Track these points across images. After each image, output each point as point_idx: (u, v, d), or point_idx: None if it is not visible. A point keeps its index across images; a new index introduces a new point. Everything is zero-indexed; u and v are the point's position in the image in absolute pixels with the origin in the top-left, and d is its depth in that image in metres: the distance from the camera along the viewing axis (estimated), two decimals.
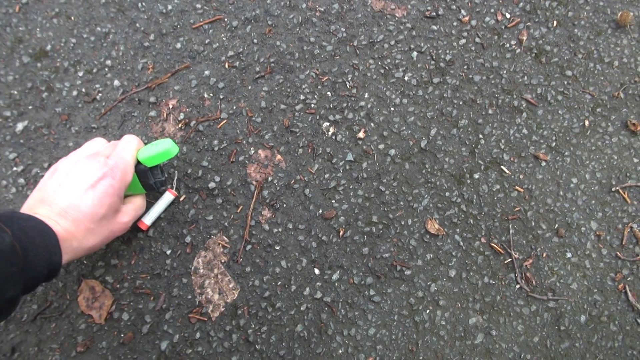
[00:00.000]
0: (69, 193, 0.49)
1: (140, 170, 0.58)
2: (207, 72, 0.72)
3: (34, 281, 0.44)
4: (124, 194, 0.56)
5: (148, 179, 0.59)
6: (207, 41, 0.74)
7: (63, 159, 0.55)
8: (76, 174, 0.51)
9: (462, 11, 0.76)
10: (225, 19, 0.74)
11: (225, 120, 0.70)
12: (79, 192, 0.49)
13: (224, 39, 0.74)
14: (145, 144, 0.60)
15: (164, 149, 0.57)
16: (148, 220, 0.64)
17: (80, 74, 0.71)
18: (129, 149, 0.56)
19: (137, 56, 0.72)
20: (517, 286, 0.66)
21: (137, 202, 0.59)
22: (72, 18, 0.72)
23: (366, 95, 0.72)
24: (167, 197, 0.64)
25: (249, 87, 0.72)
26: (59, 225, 0.48)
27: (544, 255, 0.67)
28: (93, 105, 0.70)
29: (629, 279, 0.67)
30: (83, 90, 0.70)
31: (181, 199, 0.66)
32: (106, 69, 0.72)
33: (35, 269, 0.43)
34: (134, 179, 0.58)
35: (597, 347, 0.66)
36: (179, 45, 0.73)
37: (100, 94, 0.70)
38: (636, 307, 0.66)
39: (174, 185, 0.65)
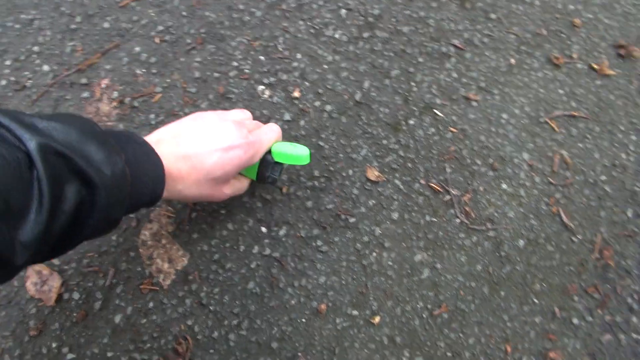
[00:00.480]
0: (201, 144, 0.44)
1: (266, 159, 0.51)
2: (137, 49, 0.65)
3: (136, 205, 0.40)
4: (239, 171, 0.49)
5: (266, 170, 0.51)
6: (135, 18, 0.67)
7: (210, 111, 0.49)
8: (217, 132, 0.45)
9: None
10: None
11: (160, 94, 0.64)
12: (211, 148, 0.44)
13: (152, 14, 0.67)
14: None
15: (298, 153, 0.50)
16: None
17: (8, 62, 0.63)
18: (270, 136, 0.50)
19: (64, 40, 0.65)
20: (458, 220, 0.62)
21: (243, 183, 0.53)
22: None
23: (299, 56, 0.66)
24: None
25: (182, 60, 0.66)
26: (176, 165, 0.43)
27: (481, 189, 0.63)
28: (24, 92, 0.62)
29: (561, 202, 0.64)
30: (12, 79, 0.63)
31: None
32: (34, 56, 0.64)
33: (139, 196, 0.39)
34: (255, 163, 0.50)
35: (537, 267, 0.63)
36: (106, 25, 0.66)
37: (30, 81, 0.63)
38: (570, 226, 0.63)
39: None
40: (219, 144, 0.45)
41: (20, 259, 0.28)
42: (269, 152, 0.51)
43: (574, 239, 0.63)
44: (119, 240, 0.57)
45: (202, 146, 0.44)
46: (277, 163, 0.52)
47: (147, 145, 0.41)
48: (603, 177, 0.65)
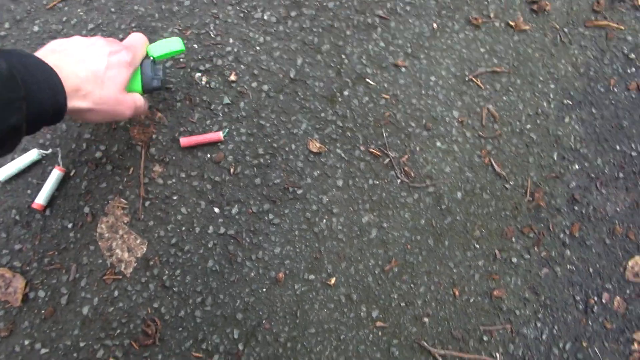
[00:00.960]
0: (90, 53, 0.46)
1: (144, 63, 0.54)
2: None
3: (39, 119, 0.40)
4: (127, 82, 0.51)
5: (149, 72, 0.53)
6: (64, 19, 0.67)
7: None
8: (98, 43, 0.48)
9: None
10: None
11: None
12: (99, 54, 0.47)
13: (81, 13, 0.68)
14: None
15: (171, 42, 0.56)
16: (42, 200, 0.59)
17: None
18: (139, 38, 0.54)
19: None
20: (399, 181, 0.67)
21: (136, 97, 0.53)
22: None
23: (231, 41, 0.68)
24: (55, 174, 0.60)
25: None
26: (73, 72, 0.43)
27: (418, 149, 0.68)
28: None
29: (492, 152, 0.69)
30: None
31: (71, 174, 0.61)
32: None
33: (39, 104, 0.39)
34: (136, 74, 0.53)
35: (475, 215, 0.68)
36: (36, 29, 0.66)
37: None
38: (502, 174, 0.69)
39: (60, 162, 0.61)
40: (104, 50, 0.47)
41: None
42: (145, 57, 0.54)
43: (506, 185, 0.68)
44: (76, 236, 0.59)
45: (91, 54, 0.46)
46: (156, 63, 0.55)
47: (35, 57, 0.41)
48: (528, 126, 0.70)
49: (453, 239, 0.66)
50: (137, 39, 0.54)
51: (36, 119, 0.40)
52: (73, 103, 0.44)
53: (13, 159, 0.60)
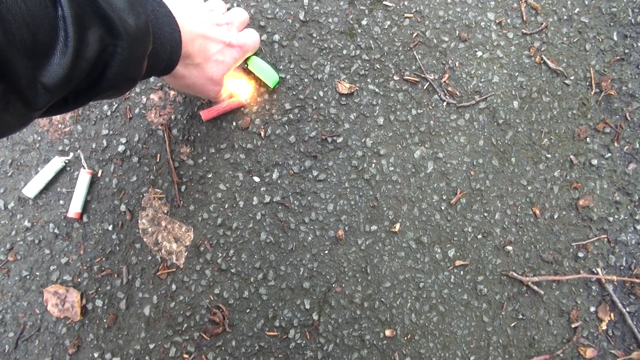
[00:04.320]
0: (210, 31, 0.46)
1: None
2: None
3: (152, 68, 0.39)
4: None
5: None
6: None
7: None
8: (220, 28, 0.48)
9: None
10: None
11: None
12: (216, 35, 0.47)
13: None
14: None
15: (270, 74, 0.55)
16: (77, 207, 0.55)
17: None
18: (256, 44, 0.54)
19: None
20: (445, 104, 0.59)
21: (227, 82, 0.54)
22: None
23: None
24: (84, 178, 0.56)
25: None
26: (190, 38, 0.42)
27: (457, 64, 0.60)
28: None
29: (542, 49, 0.61)
30: None
31: (98, 174, 0.57)
32: None
33: (157, 59, 0.38)
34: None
35: (539, 122, 0.60)
36: None
37: None
38: (559, 70, 0.60)
39: (85, 165, 0.57)
40: (223, 37, 0.47)
41: (40, 102, 0.27)
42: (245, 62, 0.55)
43: (567, 82, 0.60)
44: (120, 237, 0.56)
45: (210, 33, 0.46)
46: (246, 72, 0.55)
47: (166, 7, 0.39)
48: (577, 10, 0.61)
49: (519, 153, 0.59)
50: (254, 42, 0.53)
51: (149, 71, 0.38)
52: (179, 67, 0.43)
53: (37, 172, 0.56)
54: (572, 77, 0.60)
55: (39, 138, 0.58)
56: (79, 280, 0.55)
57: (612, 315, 0.56)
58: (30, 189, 0.56)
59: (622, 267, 0.58)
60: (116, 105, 0.59)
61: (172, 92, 0.59)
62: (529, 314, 0.56)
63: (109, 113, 0.58)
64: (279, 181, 0.57)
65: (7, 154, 0.58)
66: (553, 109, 0.59)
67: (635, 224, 0.58)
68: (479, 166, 0.58)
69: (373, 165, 0.58)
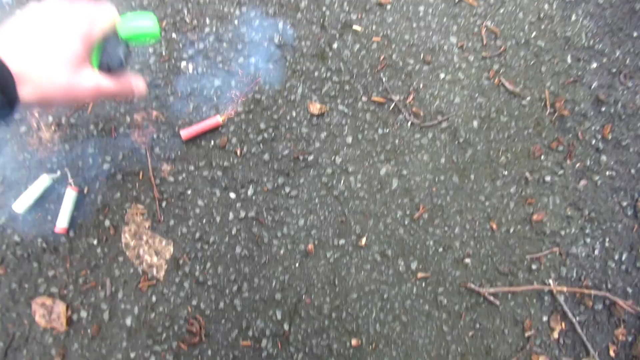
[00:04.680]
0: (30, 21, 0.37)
1: (109, 39, 0.42)
2: None
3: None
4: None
5: (109, 50, 0.42)
6: None
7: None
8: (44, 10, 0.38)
9: None
10: None
11: (91, 104, 0.64)
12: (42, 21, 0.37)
13: None
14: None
15: (143, 18, 0.42)
16: (63, 223, 0.59)
17: None
18: (107, 10, 0.41)
19: None
20: (409, 123, 0.63)
21: (98, 76, 0.41)
22: None
23: (208, 21, 0.65)
24: (70, 194, 0.59)
25: None
26: (21, 52, 0.35)
27: (421, 86, 0.64)
28: None
29: (501, 71, 0.64)
30: None
31: (84, 191, 0.61)
32: None
33: None
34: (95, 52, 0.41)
35: (497, 141, 0.64)
36: None
37: None
38: (516, 91, 0.64)
39: (71, 182, 0.60)
40: (52, 17, 0.38)
41: None
42: (113, 34, 0.42)
43: (523, 102, 0.64)
44: (104, 251, 0.59)
45: (37, 22, 0.37)
46: (121, 42, 0.43)
47: None
48: (533, 34, 0.65)
49: (478, 171, 0.63)
50: (103, 9, 0.41)
51: None
52: (31, 92, 0.36)
53: (26, 188, 0.59)
54: (528, 98, 0.64)
55: (29, 156, 0.61)
56: (65, 292, 0.58)
57: (563, 324, 0.61)
58: (20, 205, 0.59)
59: (572, 279, 0.62)
60: (102, 124, 0.62)
61: (154, 113, 0.62)
62: (486, 323, 0.60)
63: (95, 133, 0.61)
64: (253, 197, 0.61)
65: None
66: (510, 128, 0.63)
67: (585, 237, 0.63)
68: (440, 183, 0.62)
69: (342, 182, 0.61)
